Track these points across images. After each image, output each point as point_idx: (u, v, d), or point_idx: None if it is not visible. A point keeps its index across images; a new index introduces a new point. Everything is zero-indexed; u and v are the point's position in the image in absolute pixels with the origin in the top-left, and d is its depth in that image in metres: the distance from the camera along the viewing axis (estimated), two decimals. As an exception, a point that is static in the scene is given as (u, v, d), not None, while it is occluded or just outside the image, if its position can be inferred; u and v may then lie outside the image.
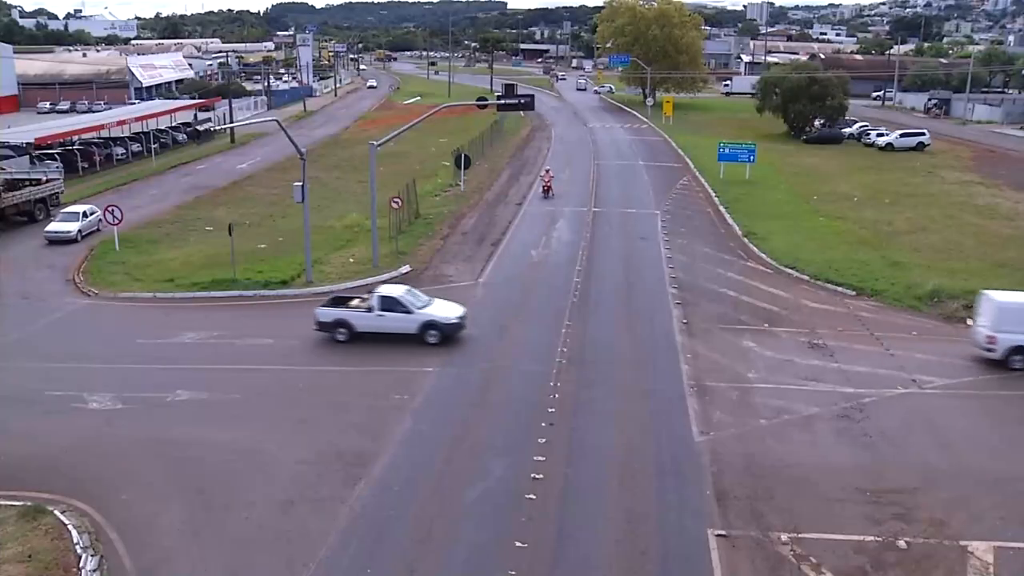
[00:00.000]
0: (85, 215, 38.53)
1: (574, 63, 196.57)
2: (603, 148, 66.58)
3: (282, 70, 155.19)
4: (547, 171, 48.69)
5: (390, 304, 24.56)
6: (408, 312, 24.48)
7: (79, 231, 37.55)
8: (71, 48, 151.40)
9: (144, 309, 29.00)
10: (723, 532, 15.62)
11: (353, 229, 38.59)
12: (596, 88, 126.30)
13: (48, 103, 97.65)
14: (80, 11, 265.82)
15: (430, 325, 24.38)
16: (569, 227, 39.42)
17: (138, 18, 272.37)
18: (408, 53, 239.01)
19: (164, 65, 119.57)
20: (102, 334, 26.67)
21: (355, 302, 25.53)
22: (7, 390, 21.28)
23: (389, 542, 15.33)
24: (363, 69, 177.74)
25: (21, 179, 43.67)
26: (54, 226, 37.59)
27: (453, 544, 15.33)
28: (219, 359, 23.99)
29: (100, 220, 37.93)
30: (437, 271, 32.64)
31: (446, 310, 25.10)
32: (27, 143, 53.47)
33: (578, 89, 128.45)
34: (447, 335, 24.45)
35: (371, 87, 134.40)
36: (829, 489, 17.09)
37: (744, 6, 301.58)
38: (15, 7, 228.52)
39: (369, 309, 24.70)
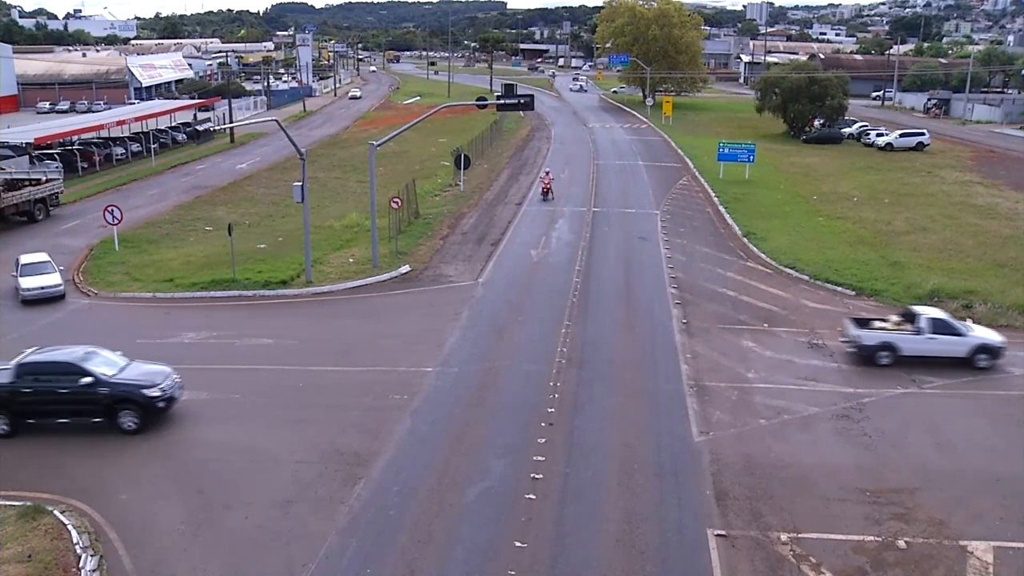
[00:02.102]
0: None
1: (572, 62, 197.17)
2: (603, 148, 66.60)
3: (281, 70, 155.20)
4: (547, 172, 48.69)
5: (941, 326, 23.37)
6: (960, 335, 23.30)
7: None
8: (71, 48, 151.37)
9: (144, 309, 28.99)
10: (723, 532, 15.63)
11: (353, 229, 38.59)
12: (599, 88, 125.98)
13: (48, 103, 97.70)
14: (80, 11, 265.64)
15: (982, 349, 23.09)
16: (569, 227, 39.42)
17: (137, 18, 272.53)
18: (408, 53, 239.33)
19: (164, 65, 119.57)
20: (102, 334, 26.58)
21: (887, 323, 23.99)
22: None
23: (389, 542, 15.33)
24: (372, 71, 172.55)
25: (21, 179, 43.65)
26: (32, 282, 29.00)
27: (453, 544, 15.33)
28: (219, 359, 23.98)
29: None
30: (437, 271, 32.64)
31: (991, 333, 24.02)
32: (27, 143, 53.49)
33: (571, 90, 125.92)
34: (996, 358, 23.19)
35: (353, 97, 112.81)
36: (829, 489, 17.09)
37: (744, 6, 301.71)
38: (15, 7, 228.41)
39: (918, 331, 23.34)
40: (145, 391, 19.49)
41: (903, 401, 21.15)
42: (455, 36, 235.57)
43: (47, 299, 28.99)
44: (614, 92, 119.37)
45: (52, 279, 29.48)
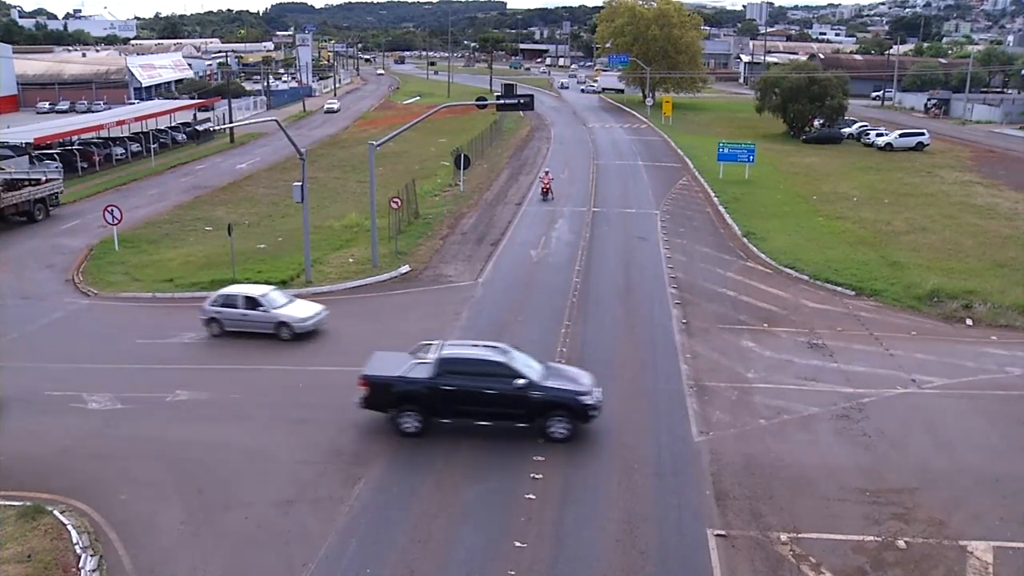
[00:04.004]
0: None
1: (560, 61, 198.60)
2: (602, 148, 66.61)
3: (281, 70, 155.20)
4: (546, 173, 48.69)
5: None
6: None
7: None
8: (70, 48, 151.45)
9: (143, 309, 28.99)
10: (722, 532, 15.62)
11: (352, 229, 38.60)
12: (590, 86, 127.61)
13: (47, 103, 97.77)
14: (79, 11, 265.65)
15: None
16: (568, 227, 39.42)
17: (137, 18, 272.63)
18: (407, 53, 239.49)
19: (163, 65, 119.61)
20: (101, 334, 26.65)
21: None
22: (7, 390, 21.23)
23: (388, 542, 15.33)
24: (379, 73, 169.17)
25: (20, 179, 43.68)
26: (299, 311, 25.55)
27: (453, 544, 15.32)
28: (219, 359, 23.98)
29: None
30: (436, 271, 32.64)
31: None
32: (26, 143, 53.55)
33: (562, 87, 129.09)
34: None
35: (329, 111, 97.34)
36: (828, 489, 17.09)
37: (743, 6, 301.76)
38: (14, 7, 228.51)
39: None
40: (581, 398, 18.65)
41: (903, 401, 21.14)
42: (455, 36, 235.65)
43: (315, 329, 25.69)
44: (597, 86, 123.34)
45: (311, 304, 26.35)
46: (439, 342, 20.18)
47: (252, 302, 25.32)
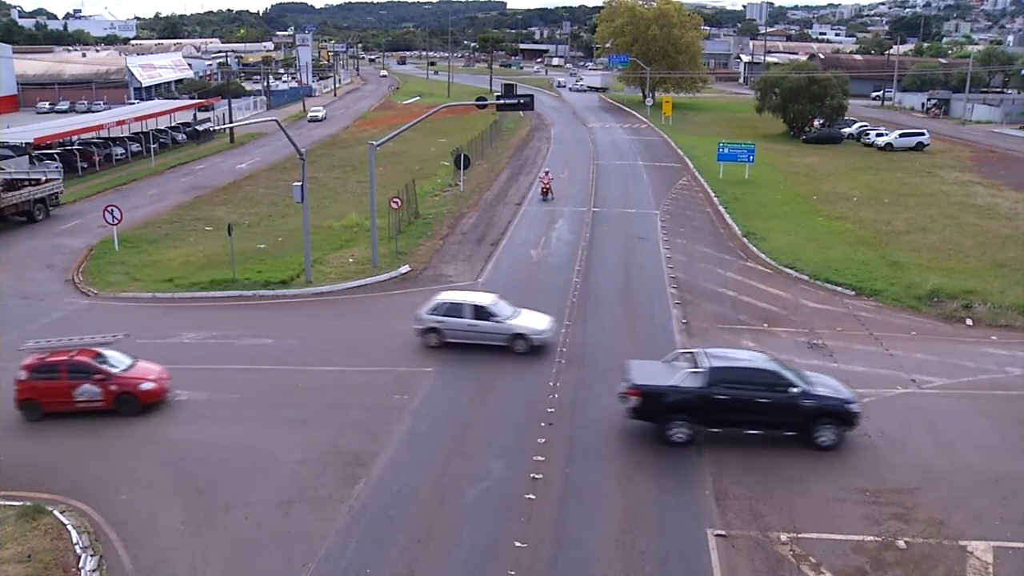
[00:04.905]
0: None
1: (553, 61, 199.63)
2: (602, 148, 66.60)
3: (281, 70, 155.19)
4: (546, 173, 48.69)
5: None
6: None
7: None
8: (70, 48, 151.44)
9: (143, 309, 28.99)
10: (722, 532, 15.63)
11: (352, 229, 38.59)
12: (576, 86, 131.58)
13: (47, 103, 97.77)
14: (79, 11, 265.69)
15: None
16: (568, 227, 39.42)
17: (137, 18, 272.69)
18: (407, 53, 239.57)
19: (163, 65, 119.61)
20: (102, 335, 26.59)
21: None
22: (7, 390, 21.22)
23: (389, 542, 15.33)
24: (383, 75, 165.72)
25: (20, 179, 43.67)
26: (533, 322, 24.24)
27: (452, 544, 15.33)
28: (219, 359, 23.97)
29: None
30: (436, 271, 32.63)
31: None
32: (26, 143, 53.53)
33: (559, 85, 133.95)
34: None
35: (314, 118, 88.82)
36: (828, 489, 17.09)
37: (743, 6, 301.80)
38: (14, 7, 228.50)
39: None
40: (849, 406, 18.47)
41: (903, 401, 21.13)
42: (455, 36, 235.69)
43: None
44: (583, 85, 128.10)
45: (540, 315, 24.91)
46: (699, 349, 19.92)
47: (482, 311, 23.76)
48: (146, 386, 20.78)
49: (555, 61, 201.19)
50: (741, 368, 18.90)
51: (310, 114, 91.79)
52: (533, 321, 24.20)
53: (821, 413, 18.37)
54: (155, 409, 20.71)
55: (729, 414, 18.50)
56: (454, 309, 24.00)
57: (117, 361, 21.18)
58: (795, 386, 18.44)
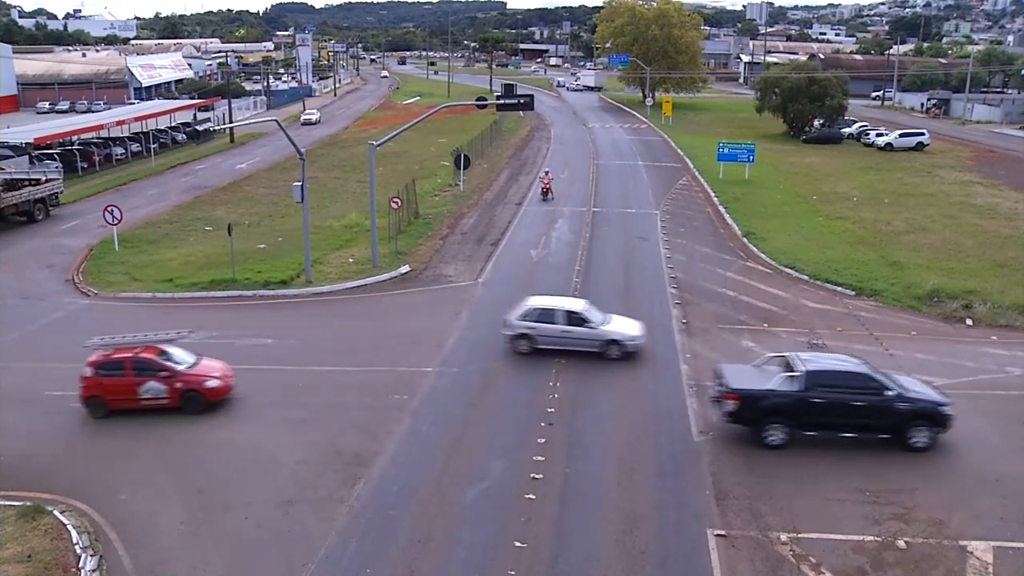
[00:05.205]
0: None
1: (550, 61, 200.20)
2: (602, 148, 66.60)
3: (281, 70, 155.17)
4: (546, 173, 48.70)
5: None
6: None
7: None
8: (70, 48, 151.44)
9: (143, 309, 28.98)
10: (722, 532, 15.63)
11: (352, 229, 38.60)
12: (572, 85, 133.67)
13: (47, 103, 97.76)
14: (79, 11, 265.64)
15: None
16: (568, 227, 39.42)
17: (137, 18, 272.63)
18: (407, 53, 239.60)
19: (163, 65, 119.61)
20: (101, 334, 26.58)
21: None
22: (6, 390, 21.25)
23: (389, 542, 15.33)
24: (384, 76, 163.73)
25: (20, 179, 43.67)
26: (625, 327, 24.02)
27: (452, 544, 15.33)
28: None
29: None
30: (437, 271, 32.63)
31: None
32: (26, 143, 53.52)
33: (558, 85, 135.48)
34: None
35: (307, 123, 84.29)
36: (829, 489, 17.09)
37: (743, 6, 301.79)
38: (14, 7, 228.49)
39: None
40: (943, 408, 18.55)
41: (903, 401, 21.10)
42: (455, 36, 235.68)
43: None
44: (579, 84, 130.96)
45: (631, 320, 24.67)
46: (792, 354, 19.87)
47: (575, 317, 23.39)
48: (212, 384, 20.67)
49: (552, 61, 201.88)
50: (837, 372, 18.99)
51: (303, 117, 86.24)
52: (626, 327, 23.97)
53: (915, 415, 18.48)
54: (220, 407, 20.62)
55: (825, 417, 18.60)
56: (546, 315, 23.58)
57: (181, 358, 21.07)
58: (890, 389, 18.56)
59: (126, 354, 20.82)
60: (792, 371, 18.78)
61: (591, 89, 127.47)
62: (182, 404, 20.39)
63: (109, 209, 35.59)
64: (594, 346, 23.34)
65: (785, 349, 24.15)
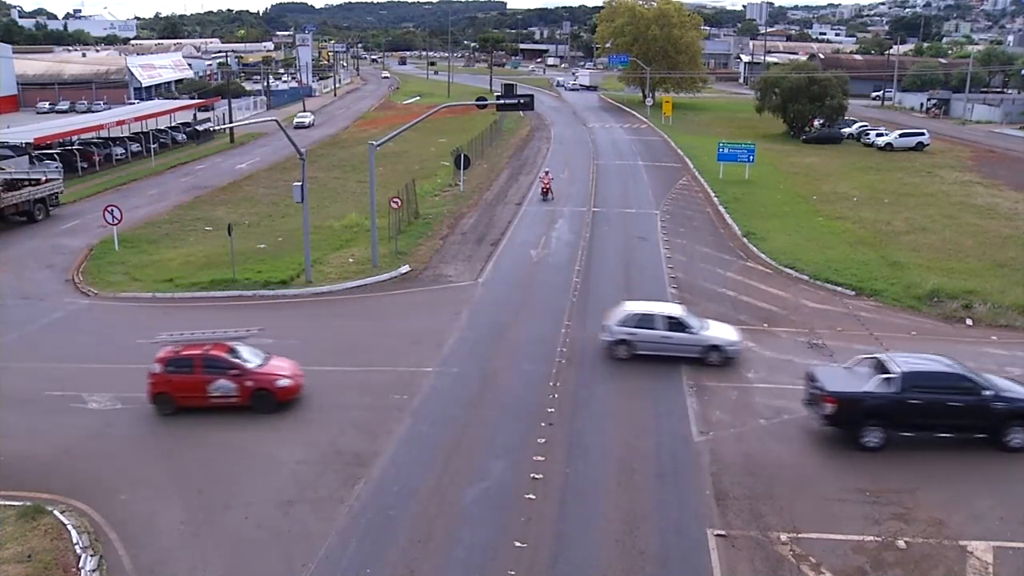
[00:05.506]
0: None
1: (547, 61, 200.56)
2: (602, 148, 66.60)
3: (281, 70, 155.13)
4: (546, 173, 48.70)
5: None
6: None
7: None
8: (70, 48, 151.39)
9: (143, 309, 28.98)
10: (722, 532, 15.63)
11: (352, 229, 38.59)
12: (570, 84, 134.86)
13: (47, 103, 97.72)
14: (79, 11, 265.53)
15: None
16: (568, 227, 39.42)
17: (137, 18, 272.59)
18: (408, 53, 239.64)
19: (163, 65, 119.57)
20: (101, 334, 26.64)
21: None
22: (6, 390, 21.25)
23: (389, 542, 15.33)
24: (385, 76, 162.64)
25: (20, 179, 43.66)
26: (723, 332, 23.94)
27: (452, 544, 15.33)
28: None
29: None
30: (437, 271, 32.63)
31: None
32: (26, 143, 53.50)
33: (557, 84, 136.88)
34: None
35: (300, 126, 79.67)
36: (829, 489, 17.10)
37: (743, 6, 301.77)
38: (14, 7, 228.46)
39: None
40: None
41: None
42: (455, 36, 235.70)
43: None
44: (576, 84, 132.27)
45: (726, 325, 24.63)
46: (885, 355, 19.81)
47: (676, 323, 23.25)
48: (283, 383, 20.48)
49: (550, 61, 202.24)
50: (932, 372, 18.95)
51: (296, 119, 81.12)
52: (725, 332, 23.78)
53: (1012, 415, 18.45)
54: (289, 407, 20.50)
55: (922, 418, 18.59)
56: (646, 320, 23.34)
57: (250, 356, 20.89)
58: (987, 389, 18.56)
59: (195, 351, 20.68)
60: (887, 373, 18.75)
61: (587, 88, 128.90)
62: (252, 403, 20.18)
63: (109, 209, 35.59)
64: (694, 352, 23.09)
65: (785, 349, 24.25)
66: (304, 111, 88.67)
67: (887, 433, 18.58)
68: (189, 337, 21.02)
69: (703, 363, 22.96)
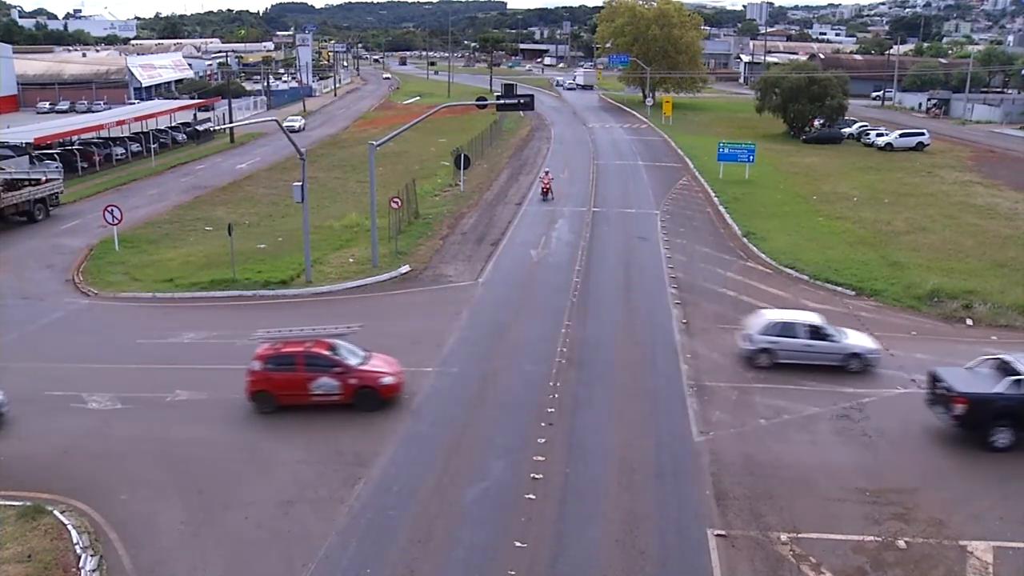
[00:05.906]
0: None
1: (552, 60, 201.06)
2: (603, 148, 66.59)
3: (281, 70, 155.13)
4: (546, 173, 48.70)
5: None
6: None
7: None
8: (71, 48, 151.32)
9: (143, 309, 28.99)
10: (723, 532, 15.63)
11: (352, 229, 38.59)
12: (571, 83, 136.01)
13: (47, 103, 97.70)
14: (79, 11, 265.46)
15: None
16: (569, 227, 39.42)
17: (137, 18, 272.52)
18: (408, 53, 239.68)
19: (163, 65, 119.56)
20: (101, 334, 26.65)
21: None
22: (7, 390, 21.23)
23: (389, 542, 15.33)
24: (386, 77, 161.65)
25: (20, 179, 43.66)
26: (860, 340, 23.52)
27: (453, 544, 15.33)
28: (219, 359, 23.94)
29: None
30: (437, 271, 32.63)
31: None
32: (26, 143, 53.49)
33: (557, 84, 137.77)
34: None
35: (291, 128, 73.26)
36: (829, 489, 17.10)
37: (743, 6, 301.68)
38: (14, 7, 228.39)
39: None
40: None
41: (903, 401, 21.13)
42: (455, 36, 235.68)
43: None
44: (574, 83, 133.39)
45: (862, 333, 24.27)
46: (1009, 356, 19.64)
47: (818, 332, 22.98)
48: (387, 380, 20.25)
49: (548, 61, 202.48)
50: None
51: (286, 122, 72.24)
52: (863, 340, 23.60)
53: None
54: (392, 405, 20.35)
55: None
56: (787, 329, 23.11)
57: (351, 353, 20.62)
58: None
59: (296, 348, 20.44)
60: (1017, 374, 18.68)
61: (584, 87, 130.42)
62: (356, 401, 19.98)
63: (109, 209, 35.58)
64: (835, 360, 22.86)
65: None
66: (294, 115, 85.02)
67: (1016, 434, 18.53)
68: (287, 335, 20.75)
69: (843, 371, 22.68)
